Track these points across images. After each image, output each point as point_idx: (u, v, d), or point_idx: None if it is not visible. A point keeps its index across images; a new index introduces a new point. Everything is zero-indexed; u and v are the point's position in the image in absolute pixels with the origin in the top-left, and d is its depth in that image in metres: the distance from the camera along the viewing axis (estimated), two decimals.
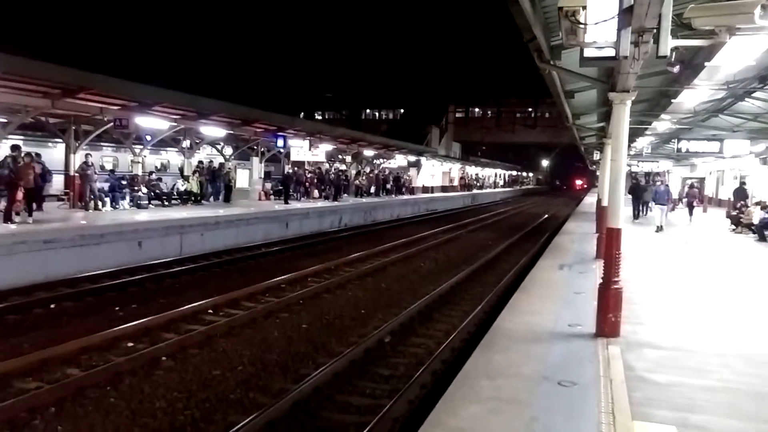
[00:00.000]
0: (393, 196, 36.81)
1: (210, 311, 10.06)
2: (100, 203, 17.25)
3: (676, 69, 7.39)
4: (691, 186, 26.63)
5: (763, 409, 4.74)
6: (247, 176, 26.26)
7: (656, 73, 10.35)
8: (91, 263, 12.75)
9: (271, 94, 67.98)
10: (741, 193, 21.81)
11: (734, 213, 20.23)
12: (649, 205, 22.83)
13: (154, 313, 9.43)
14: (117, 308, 10.23)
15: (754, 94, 12.45)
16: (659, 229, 18.96)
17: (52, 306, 10.16)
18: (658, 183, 23.71)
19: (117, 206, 17.93)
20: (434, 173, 50.16)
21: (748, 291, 9.82)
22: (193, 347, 8.15)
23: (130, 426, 5.82)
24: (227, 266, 14.74)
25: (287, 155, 28.51)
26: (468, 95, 70.82)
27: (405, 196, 37.57)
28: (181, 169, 24.62)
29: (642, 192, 24.10)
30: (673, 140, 21.00)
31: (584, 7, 5.07)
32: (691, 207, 24.16)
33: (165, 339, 8.40)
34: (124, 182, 19.28)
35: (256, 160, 27.60)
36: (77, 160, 17.74)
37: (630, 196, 23.23)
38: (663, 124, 17.66)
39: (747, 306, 8.65)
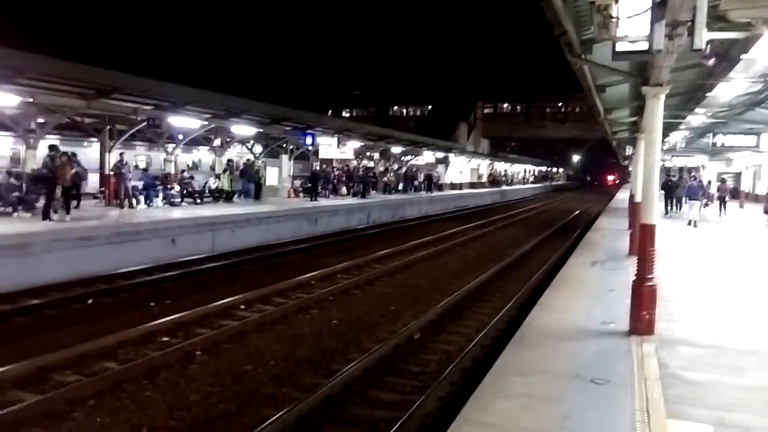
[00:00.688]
0: (422, 192, 36.74)
1: (242, 307, 10.22)
2: (134, 201, 17.62)
3: (711, 62, 7.26)
4: (723, 181, 26.09)
5: None
6: (277, 174, 26.51)
7: (690, 66, 10.11)
8: (126, 260, 13.05)
9: (299, 92, 68.39)
10: None
11: None
12: (682, 200, 22.48)
13: (188, 309, 9.61)
14: (152, 303, 10.46)
15: None
16: (692, 224, 18.63)
17: (90, 301, 10.43)
18: (691, 178, 23.34)
19: (151, 204, 18.29)
20: (462, 170, 49.89)
21: None
22: (227, 342, 8.30)
23: (167, 419, 5.96)
24: (258, 263, 14.93)
25: (316, 153, 28.69)
26: (496, 91, 70.05)
27: (433, 193, 37.48)
28: (213, 167, 25.03)
29: (675, 187, 23.67)
30: (708, 134, 20.54)
31: (616, 1, 5.01)
32: (722, 202, 23.66)
33: (199, 334, 8.56)
34: (157, 180, 19.66)
35: (285, 157, 27.84)
36: (112, 159, 18.16)
37: (662, 192, 22.84)
38: (697, 118, 17.27)
39: None
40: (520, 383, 5.03)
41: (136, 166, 22.47)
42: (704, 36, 5.47)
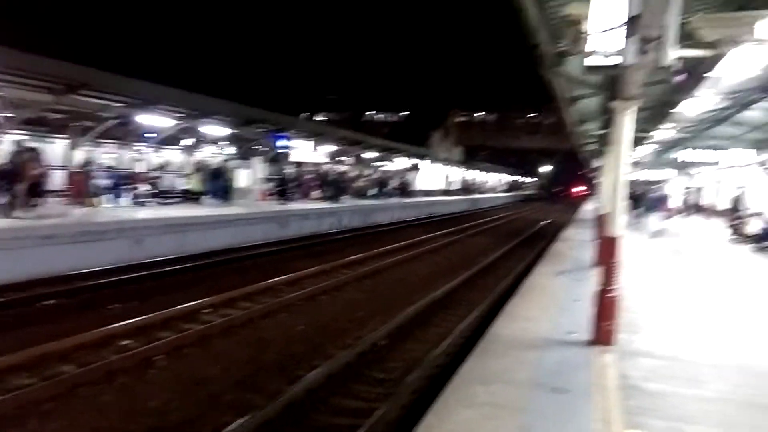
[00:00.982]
0: (394, 198, 36.80)
1: (207, 310, 10.06)
2: (101, 200, 17.27)
3: (679, 78, 7.42)
4: (686, 195, 26.98)
5: (756, 420, 4.74)
6: (248, 176, 26.25)
7: (659, 82, 10.33)
8: (90, 259, 12.75)
9: (274, 94, 67.95)
10: (740, 202, 21.83)
11: (733, 222, 20.24)
12: (644, 212, 23.10)
13: (152, 311, 9.42)
14: (115, 305, 10.23)
15: (755, 105, 12.48)
16: (654, 235, 19.15)
17: (50, 302, 10.17)
18: (652, 191, 24.02)
19: (118, 203, 17.96)
20: (435, 176, 50.16)
21: (744, 301, 9.82)
22: (190, 346, 8.16)
23: (123, 424, 5.82)
24: (225, 266, 14.74)
25: (289, 156, 28.51)
26: (471, 100, 70.94)
27: (406, 199, 37.58)
28: (183, 168, 24.73)
29: (638, 200, 24.24)
30: (674, 149, 21.07)
31: (589, 16, 5.10)
32: (686, 215, 24.38)
33: (161, 337, 8.39)
34: (125, 179, 19.31)
35: (257, 160, 27.59)
36: (79, 156, 17.76)
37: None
38: (664, 133, 17.70)
39: (742, 316, 8.65)
40: (483, 392, 5.04)
41: (105, 165, 22.06)
42: (673, 53, 5.61)
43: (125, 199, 18.44)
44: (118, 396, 6.46)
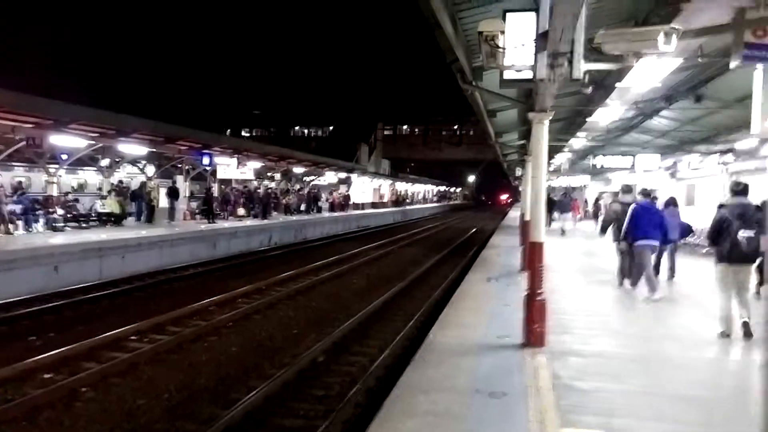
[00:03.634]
0: (326, 213, 36.66)
1: (133, 337, 9.64)
2: (11, 226, 16.22)
3: (589, 90, 7.86)
4: (597, 199, 31.32)
5: (678, 410, 5.04)
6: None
7: (571, 94, 10.92)
8: (2, 291, 11.93)
9: (196, 111, 66.34)
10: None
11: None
12: (553, 215, 25.21)
13: (73, 342, 8.92)
14: (33, 338, 9.62)
15: (661, 113, 13.35)
16: (563, 233, 22.87)
17: None
18: (561, 195, 27.97)
19: (31, 229, 16.93)
20: (364, 190, 50.41)
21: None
22: (116, 376, 7.78)
23: None
24: (151, 290, 14.18)
25: (214, 173, 27.89)
26: (396, 113, 71.92)
27: (335, 213, 37.51)
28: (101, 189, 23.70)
29: (553, 203, 25.85)
30: (589, 156, 22.21)
31: (503, 32, 5.32)
32: (596, 216, 28.15)
33: (85, 369, 7.96)
34: (38, 204, 18.25)
35: (180, 178, 26.79)
36: None
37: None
38: (579, 142, 18.62)
39: (664, 310, 9.18)
40: (424, 401, 5.10)
41: (15, 189, 20.76)
42: (582, 66, 5.94)
43: (39, 225, 17.39)
44: None
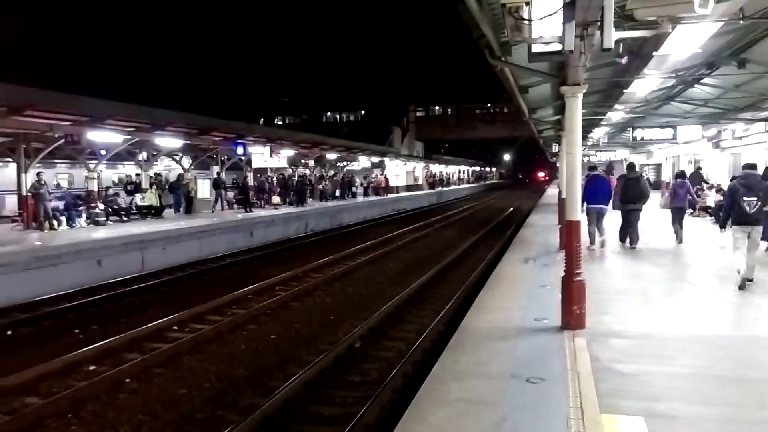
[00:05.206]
0: (361, 198, 36.68)
1: (174, 328, 9.82)
2: (55, 222, 16.70)
3: (624, 60, 7.54)
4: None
5: (722, 392, 4.82)
6: (208, 186, 25.82)
7: (606, 65, 10.49)
8: (47, 285, 12.31)
9: (229, 101, 67.17)
10: (697, 177, 22.36)
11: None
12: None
13: (116, 334, 9.15)
14: (77, 331, 9.90)
15: (702, 81, 12.75)
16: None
17: (8, 333, 9.77)
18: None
19: (74, 225, 17.40)
20: (398, 173, 50.23)
21: (704, 273, 10.05)
22: (158, 366, 7.94)
23: None
24: (191, 280, 14.44)
25: (248, 162, 28.15)
26: (427, 94, 71.18)
27: (371, 198, 37.48)
28: (139, 183, 24.20)
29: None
30: (628, 129, 21.46)
31: (528, 3, 5.08)
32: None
33: (128, 360, 8.16)
34: (79, 199, 18.74)
35: (216, 169, 27.16)
36: (29, 179, 17.16)
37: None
38: (617, 114, 18.01)
39: (704, 289, 8.85)
40: (457, 388, 5.00)
41: (57, 185, 21.38)
42: (613, 35, 5.63)
43: (81, 220, 17.86)
44: (87, 424, 6.22)
